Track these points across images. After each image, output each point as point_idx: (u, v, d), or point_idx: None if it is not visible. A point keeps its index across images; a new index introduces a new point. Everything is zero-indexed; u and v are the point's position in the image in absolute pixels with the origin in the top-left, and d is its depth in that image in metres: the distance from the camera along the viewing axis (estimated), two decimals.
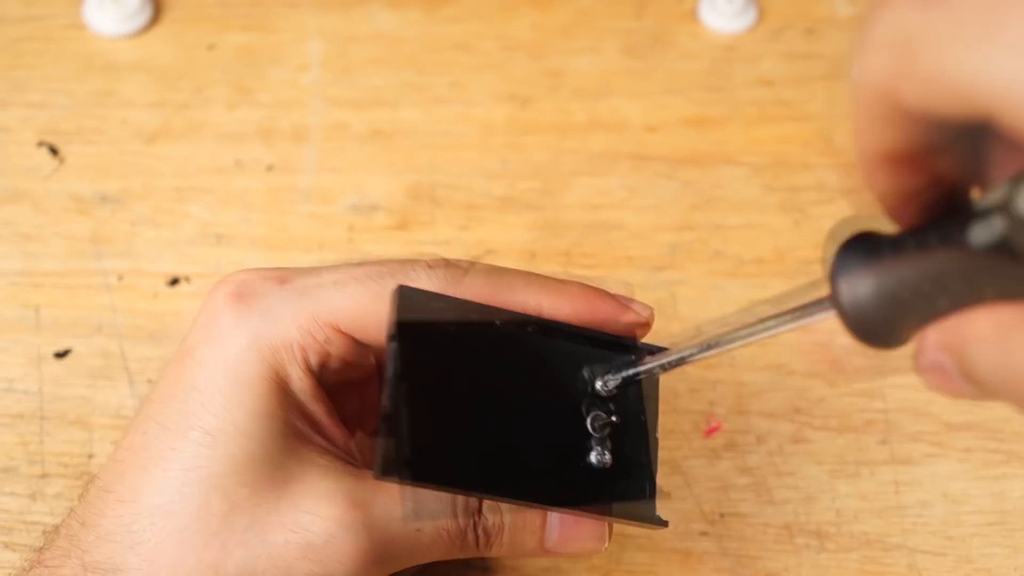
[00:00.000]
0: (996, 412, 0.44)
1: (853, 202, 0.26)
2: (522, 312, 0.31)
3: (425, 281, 0.31)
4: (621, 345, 0.32)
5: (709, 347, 0.29)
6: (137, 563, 0.29)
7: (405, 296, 0.29)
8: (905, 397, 0.45)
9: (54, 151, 0.51)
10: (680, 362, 0.30)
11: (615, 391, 0.32)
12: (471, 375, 0.30)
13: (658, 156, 0.52)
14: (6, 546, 0.39)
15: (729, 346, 0.29)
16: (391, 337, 0.28)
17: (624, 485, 0.32)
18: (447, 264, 0.32)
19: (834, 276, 0.23)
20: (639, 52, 0.55)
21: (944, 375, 0.23)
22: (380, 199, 0.50)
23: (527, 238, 0.49)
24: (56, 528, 0.32)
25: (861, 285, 0.23)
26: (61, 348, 0.45)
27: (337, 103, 0.53)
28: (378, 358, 0.34)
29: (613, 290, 0.33)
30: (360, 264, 0.32)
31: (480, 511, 0.32)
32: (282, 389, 0.31)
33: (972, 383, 0.23)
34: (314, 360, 0.31)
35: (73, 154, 0.51)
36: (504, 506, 0.32)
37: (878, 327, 0.23)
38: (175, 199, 0.50)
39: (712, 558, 0.41)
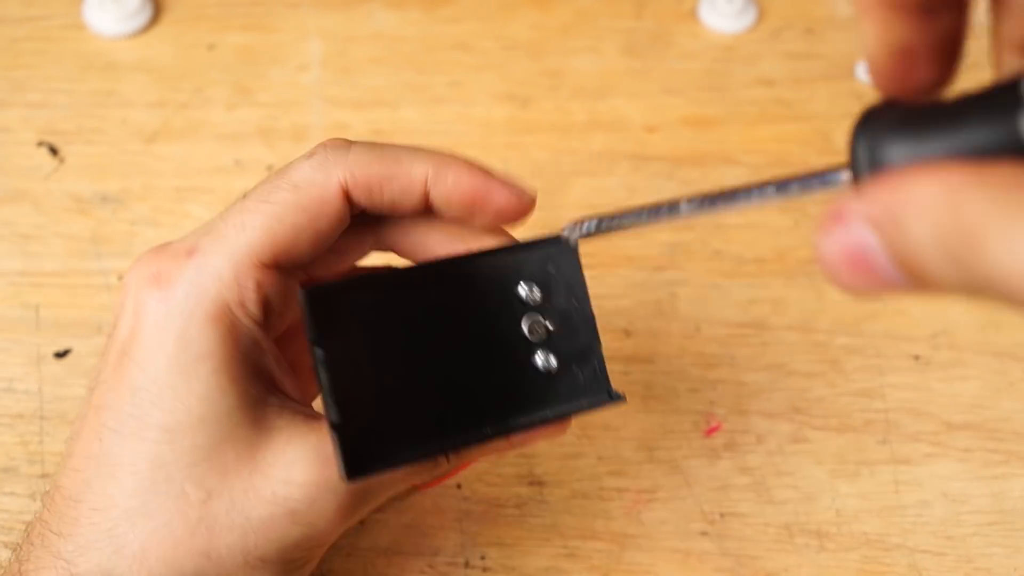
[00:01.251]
0: (996, 412, 0.44)
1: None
2: (433, 258, 0.32)
3: (310, 172, 0.31)
4: (543, 242, 0.33)
5: (670, 209, 0.28)
6: (127, 566, 0.30)
7: (312, 297, 0.28)
8: (905, 397, 0.45)
9: (54, 151, 0.51)
10: (619, 223, 0.30)
11: (541, 296, 0.32)
12: (401, 337, 0.30)
13: (658, 156, 0.52)
14: (6, 546, 0.39)
15: (702, 210, 0.27)
16: (312, 341, 0.28)
17: (577, 377, 0.32)
18: (326, 146, 0.32)
19: (856, 140, 0.20)
20: (639, 52, 0.55)
21: (865, 260, 0.20)
22: None
23: (526, 238, 0.49)
24: (27, 538, 0.31)
25: (889, 152, 0.20)
26: (61, 348, 0.45)
27: (337, 103, 0.53)
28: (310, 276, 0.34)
29: (495, 176, 0.33)
30: (246, 196, 0.32)
31: None
32: (232, 357, 0.30)
33: (905, 266, 0.19)
34: (254, 308, 0.31)
35: (73, 154, 0.51)
36: None
37: None
38: (175, 199, 0.50)
39: (712, 558, 0.41)
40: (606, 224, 0.31)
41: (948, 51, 0.23)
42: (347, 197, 0.32)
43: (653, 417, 0.44)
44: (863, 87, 0.53)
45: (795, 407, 0.44)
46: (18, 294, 0.46)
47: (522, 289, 0.32)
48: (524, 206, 0.33)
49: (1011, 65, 0.23)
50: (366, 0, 0.57)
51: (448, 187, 0.32)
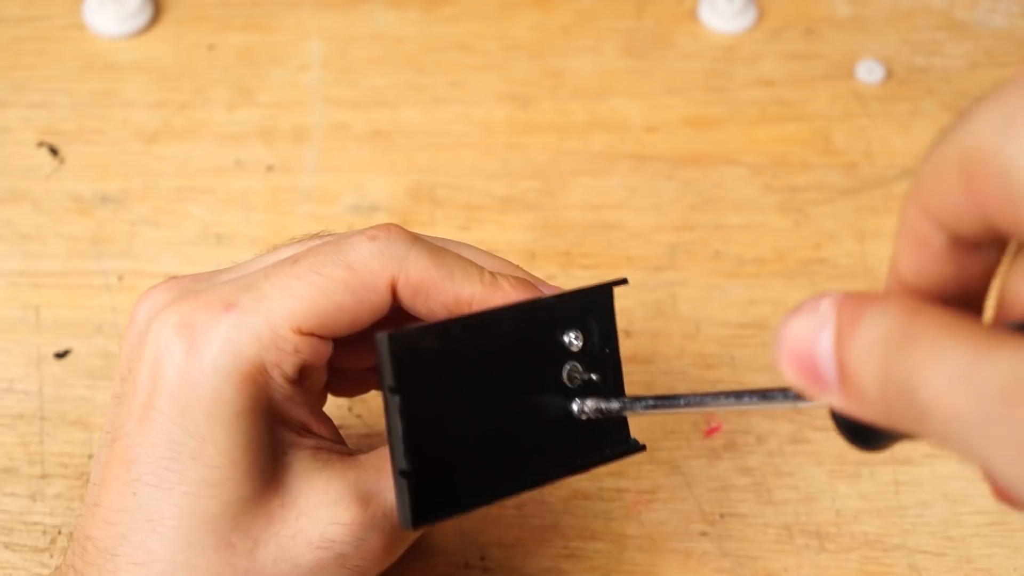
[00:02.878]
0: None
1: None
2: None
3: (368, 257, 0.31)
4: (586, 295, 0.33)
5: (665, 401, 0.31)
6: None
7: (394, 343, 0.28)
8: None
9: (54, 151, 0.51)
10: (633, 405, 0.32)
11: (582, 344, 0.32)
12: (463, 386, 0.30)
13: (658, 156, 0.52)
14: (6, 546, 0.39)
15: (688, 408, 0.31)
16: (391, 389, 0.28)
17: (605, 426, 0.33)
18: (389, 236, 0.32)
19: None
20: (639, 52, 0.55)
21: (813, 352, 0.22)
22: (380, 199, 0.50)
23: (527, 238, 0.49)
24: None
25: None
26: (61, 348, 0.45)
27: (337, 103, 0.53)
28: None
29: (543, 285, 0.33)
30: (294, 258, 0.32)
31: None
32: (268, 412, 0.31)
33: (847, 380, 0.22)
34: (290, 371, 0.31)
35: (73, 154, 0.51)
36: None
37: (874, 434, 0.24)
38: (175, 199, 0.50)
39: (712, 558, 0.41)
40: (659, 404, 0.32)
41: (978, 290, 0.25)
42: (395, 292, 0.31)
43: (653, 418, 0.44)
44: (863, 87, 0.53)
45: (795, 407, 0.44)
46: (18, 294, 0.47)
47: (566, 337, 0.32)
48: None
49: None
50: (366, 0, 0.57)
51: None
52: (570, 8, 0.57)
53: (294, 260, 0.31)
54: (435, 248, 0.32)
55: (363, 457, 0.32)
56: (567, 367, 0.32)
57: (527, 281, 0.33)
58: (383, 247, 0.31)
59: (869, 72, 0.54)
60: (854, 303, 0.22)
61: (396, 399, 0.28)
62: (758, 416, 0.44)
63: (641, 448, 0.34)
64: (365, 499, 0.31)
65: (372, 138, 0.52)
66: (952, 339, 0.20)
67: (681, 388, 0.45)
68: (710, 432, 0.44)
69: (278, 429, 0.31)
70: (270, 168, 0.51)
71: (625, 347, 0.46)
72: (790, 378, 0.23)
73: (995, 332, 0.20)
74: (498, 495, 0.31)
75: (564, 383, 0.32)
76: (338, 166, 0.51)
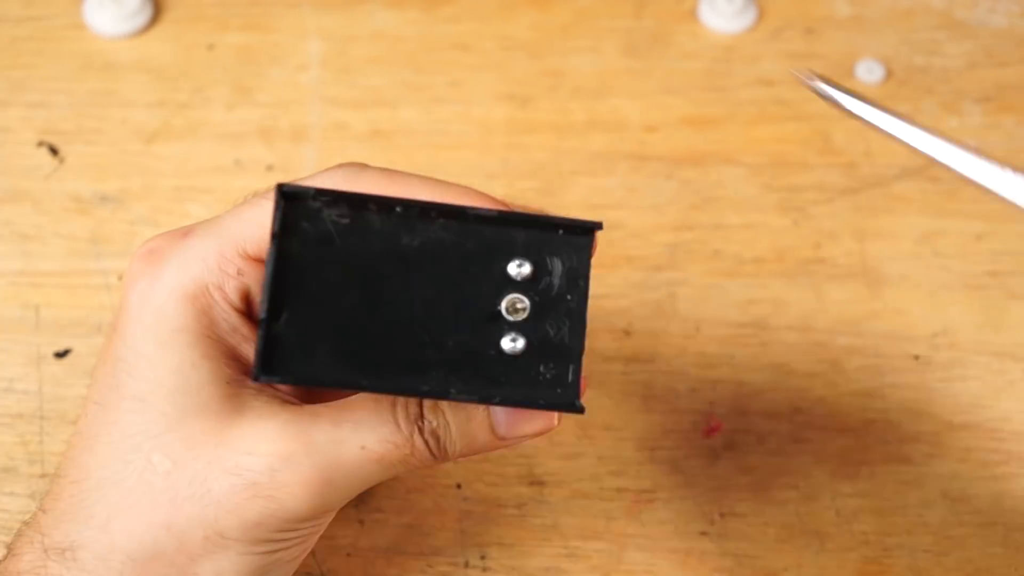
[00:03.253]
0: (996, 412, 0.44)
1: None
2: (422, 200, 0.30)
3: (322, 181, 0.31)
4: (551, 227, 0.30)
5: None
6: (93, 536, 0.30)
7: (287, 194, 0.27)
8: (905, 397, 0.45)
9: (54, 151, 0.51)
10: None
11: (533, 275, 0.30)
12: (367, 268, 0.29)
13: (657, 156, 0.52)
14: (6, 546, 0.39)
15: None
16: (272, 236, 0.27)
17: (543, 373, 0.30)
18: (343, 166, 0.32)
19: None
20: (638, 52, 0.55)
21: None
22: None
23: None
24: (24, 522, 0.32)
25: None
26: (61, 348, 0.45)
27: (336, 103, 0.53)
28: None
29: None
30: (254, 193, 0.33)
31: (421, 416, 0.31)
32: (208, 336, 0.31)
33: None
34: (234, 295, 0.31)
35: (73, 154, 0.51)
36: (444, 404, 0.31)
37: None
38: (175, 199, 0.50)
39: (712, 558, 0.41)
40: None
41: None
42: None
43: (653, 417, 0.44)
44: (863, 87, 0.53)
45: (795, 407, 0.44)
46: (18, 294, 0.46)
47: (512, 264, 0.29)
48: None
49: None
50: (365, 0, 0.57)
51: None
52: (569, 8, 0.57)
53: (254, 193, 0.33)
54: (388, 170, 0.32)
55: (306, 406, 0.31)
56: (509, 297, 0.29)
57: (484, 193, 0.32)
58: (333, 172, 0.32)
59: (869, 72, 0.54)
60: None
61: (273, 245, 0.27)
62: (758, 416, 0.44)
63: (580, 410, 0.30)
64: (289, 435, 0.30)
65: (371, 137, 0.52)
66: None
67: (681, 388, 0.45)
68: (710, 432, 0.44)
69: (219, 359, 0.31)
70: (270, 168, 0.51)
71: (625, 347, 0.46)
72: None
73: None
74: (370, 384, 0.29)
75: (501, 313, 0.30)
76: None
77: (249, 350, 0.32)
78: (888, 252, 0.48)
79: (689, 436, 0.44)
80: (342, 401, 0.31)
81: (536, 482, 0.43)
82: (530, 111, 0.53)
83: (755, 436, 0.43)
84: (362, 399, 0.31)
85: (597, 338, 0.46)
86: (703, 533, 0.41)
